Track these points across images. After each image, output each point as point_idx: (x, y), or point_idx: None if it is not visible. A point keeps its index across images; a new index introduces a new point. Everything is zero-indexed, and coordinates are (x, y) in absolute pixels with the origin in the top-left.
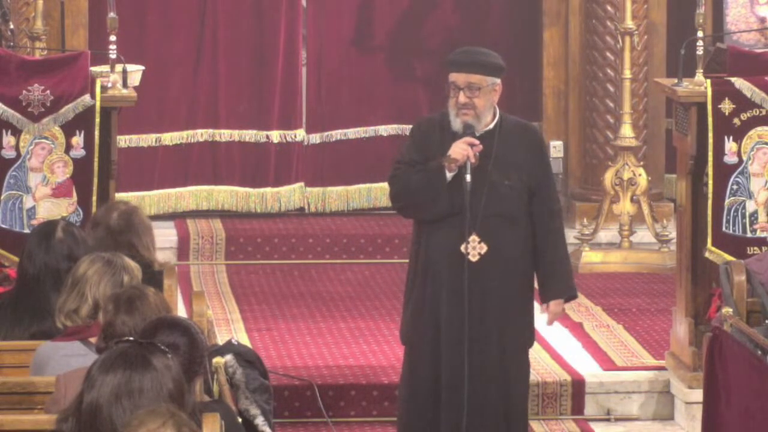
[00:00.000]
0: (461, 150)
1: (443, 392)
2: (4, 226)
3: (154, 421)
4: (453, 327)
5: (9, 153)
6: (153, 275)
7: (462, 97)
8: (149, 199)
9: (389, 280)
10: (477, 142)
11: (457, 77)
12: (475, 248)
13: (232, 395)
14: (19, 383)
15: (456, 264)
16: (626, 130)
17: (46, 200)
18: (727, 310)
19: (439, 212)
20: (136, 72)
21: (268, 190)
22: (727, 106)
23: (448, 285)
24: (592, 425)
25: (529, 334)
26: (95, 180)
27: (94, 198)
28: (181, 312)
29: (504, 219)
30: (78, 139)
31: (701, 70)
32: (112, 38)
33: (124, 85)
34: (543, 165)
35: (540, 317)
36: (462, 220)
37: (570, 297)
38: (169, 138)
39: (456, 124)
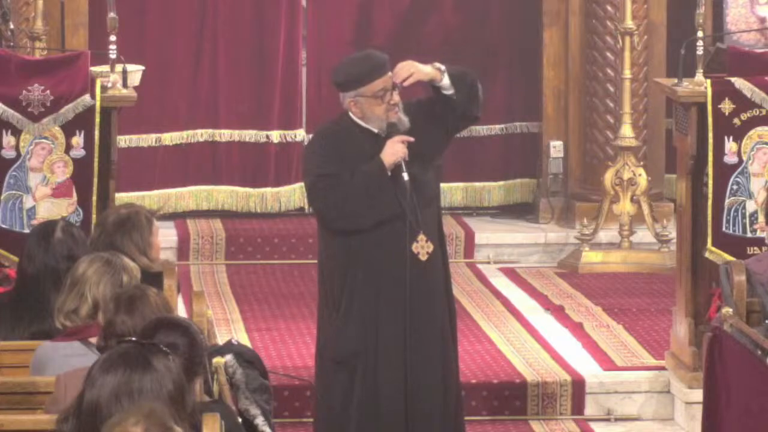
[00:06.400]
0: (400, 149)
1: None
2: (4, 226)
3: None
4: (396, 332)
5: (9, 153)
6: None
7: (396, 96)
8: (149, 199)
9: None
10: (410, 138)
11: (383, 81)
12: (423, 248)
13: (232, 395)
14: (19, 383)
15: (405, 266)
16: (626, 130)
17: (46, 200)
18: (727, 310)
19: (383, 215)
20: (136, 72)
21: (268, 190)
22: (727, 106)
23: (400, 290)
24: (592, 425)
25: (454, 310)
26: (95, 180)
27: (94, 198)
28: (181, 312)
29: (429, 207)
30: (78, 139)
31: (701, 70)
32: (112, 38)
33: (124, 85)
34: (420, 104)
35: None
36: (404, 221)
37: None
38: (169, 138)
39: (385, 126)
